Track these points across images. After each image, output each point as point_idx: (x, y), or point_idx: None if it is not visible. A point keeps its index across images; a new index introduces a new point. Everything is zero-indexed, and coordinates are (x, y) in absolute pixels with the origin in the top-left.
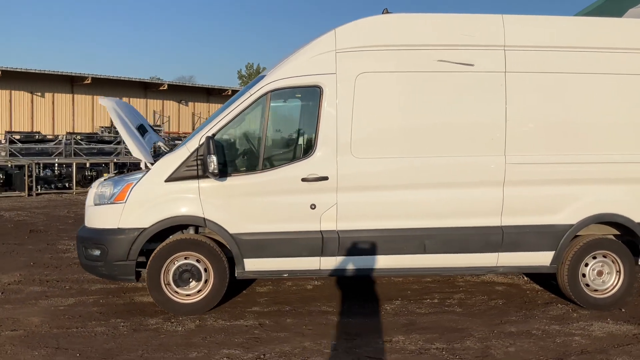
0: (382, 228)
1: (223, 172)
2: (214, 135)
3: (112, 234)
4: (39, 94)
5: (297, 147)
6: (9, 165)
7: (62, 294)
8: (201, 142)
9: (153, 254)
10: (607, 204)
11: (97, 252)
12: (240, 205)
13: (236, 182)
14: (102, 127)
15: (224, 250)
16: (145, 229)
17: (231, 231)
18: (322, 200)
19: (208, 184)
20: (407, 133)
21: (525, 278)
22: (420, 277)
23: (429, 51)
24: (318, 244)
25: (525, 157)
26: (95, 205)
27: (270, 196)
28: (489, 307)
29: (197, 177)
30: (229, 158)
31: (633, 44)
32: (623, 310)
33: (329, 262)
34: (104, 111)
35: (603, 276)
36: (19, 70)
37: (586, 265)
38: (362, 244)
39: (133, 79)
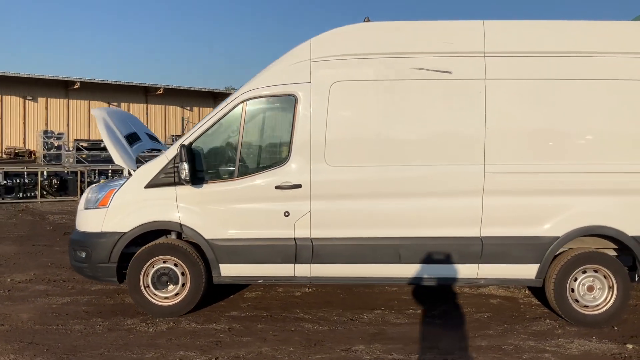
0: (356, 237)
1: (200, 179)
2: (190, 143)
3: (95, 237)
4: (115, 103)
5: (272, 155)
6: (65, 171)
7: (62, 293)
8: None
9: (133, 257)
10: (597, 216)
11: (83, 254)
12: (215, 211)
13: (212, 189)
14: (173, 135)
15: (204, 256)
16: (125, 233)
17: (207, 237)
18: (296, 207)
19: (185, 191)
20: (382, 141)
21: (526, 291)
22: (416, 287)
23: (406, 59)
24: (292, 251)
25: (506, 167)
26: (85, 209)
27: (245, 203)
28: (471, 319)
29: (175, 183)
30: (206, 165)
31: (622, 47)
32: (616, 328)
33: (304, 270)
34: (177, 120)
35: (594, 292)
36: (97, 81)
37: (575, 279)
38: (335, 252)
39: (202, 89)
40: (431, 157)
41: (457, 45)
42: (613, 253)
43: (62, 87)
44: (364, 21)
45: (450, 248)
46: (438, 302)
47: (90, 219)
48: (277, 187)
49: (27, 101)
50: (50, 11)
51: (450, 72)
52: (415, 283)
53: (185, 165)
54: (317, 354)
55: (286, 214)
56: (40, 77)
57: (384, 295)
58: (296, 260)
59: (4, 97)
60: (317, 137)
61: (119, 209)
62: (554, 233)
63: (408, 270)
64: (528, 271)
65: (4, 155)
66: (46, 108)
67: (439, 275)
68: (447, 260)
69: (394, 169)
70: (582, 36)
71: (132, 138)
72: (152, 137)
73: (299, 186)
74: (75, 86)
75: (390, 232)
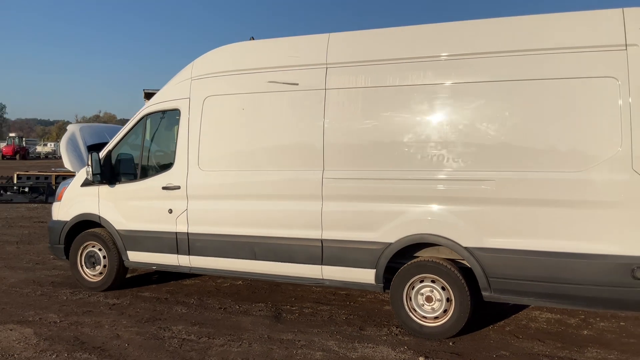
0: (220, 233)
1: (114, 180)
2: (110, 150)
3: (53, 224)
4: None
5: (164, 160)
6: None
7: (64, 268)
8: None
9: (74, 241)
10: (428, 224)
11: (49, 237)
12: (122, 206)
13: (121, 188)
14: None
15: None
16: (67, 221)
17: (116, 227)
18: (177, 206)
19: (104, 189)
20: (240, 148)
21: None
22: (338, 289)
23: (262, 74)
24: (174, 243)
25: (341, 173)
26: (54, 202)
27: (142, 201)
28: (329, 320)
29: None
30: (119, 169)
31: (452, 49)
32: (451, 343)
33: (184, 260)
34: None
35: (433, 303)
36: None
37: (412, 288)
38: (205, 246)
39: None
40: (281, 163)
41: (304, 59)
42: None
43: None
44: (249, 39)
45: (297, 249)
46: (334, 303)
47: (53, 210)
48: (163, 188)
49: None
50: None
51: (297, 84)
52: (270, 279)
53: (89, 169)
54: (134, 327)
55: (170, 211)
56: None
57: (299, 293)
58: (178, 251)
59: None
60: (193, 145)
61: (65, 202)
62: (386, 239)
63: (262, 267)
64: (366, 275)
65: None
66: None
67: (289, 274)
68: (295, 260)
69: (250, 173)
70: (412, 41)
71: (96, 148)
72: None
73: (178, 187)
74: None
75: (246, 230)
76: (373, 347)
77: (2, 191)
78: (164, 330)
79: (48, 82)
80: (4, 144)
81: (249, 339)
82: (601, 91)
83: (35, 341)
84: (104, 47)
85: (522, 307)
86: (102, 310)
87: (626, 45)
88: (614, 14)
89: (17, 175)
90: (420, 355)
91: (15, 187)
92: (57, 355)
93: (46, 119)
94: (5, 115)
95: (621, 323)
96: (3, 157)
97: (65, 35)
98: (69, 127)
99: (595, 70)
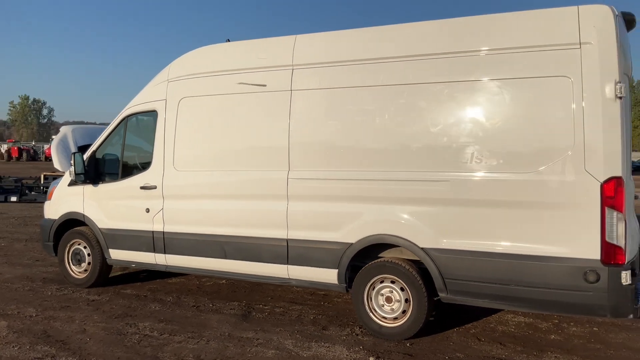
0: (192, 232)
1: (98, 180)
2: (94, 151)
3: (44, 222)
4: None
5: (143, 161)
6: None
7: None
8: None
9: (61, 239)
10: (388, 225)
11: (41, 235)
12: (104, 206)
13: (104, 188)
14: None
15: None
16: (55, 220)
17: (99, 226)
18: (153, 205)
19: (89, 189)
20: (212, 149)
21: None
22: (317, 290)
23: (233, 75)
24: (150, 242)
25: (306, 173)
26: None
27: (122, 200)
28: (296, 319)
29: (84, 182)
30: (102, 169)
31: (410, 50)
32: (409, 344)
33: (161, 258)
34: None
35: (392, 303)
36: None
37: (373, 288)
38: (179, 245)
39: None
40: (249, 164)
41: (272, 60)
42: None
43: None
44: (226, 41)
45: (264, 248)
46: (309, 303)
47: (45, 209)
48: (141, 188)
49: None
50: None
51: (265, 85)
52: (240, 278)
53: (72, 169)
54: (103, 322)
55: (147, 210)
56: None
57: (278, 292)
58: (155, 250)
59: None
60: (168, 145)
61: (54, 201)
62: (347, 239)
63: (232, 265)
64: (329, 275)
65: None
66: None
67: (257, 273)
68: (262, 259)
69: (220, 174)
70: (370, 43)
71: (86, 149)
72: None
73: (155, 187)
74: None
75: (217, 230)
76: (328, 347)
77: (27, 191)
78: (130, 326)
79: (95, 85)
80: (48, 146)
81: (208, 337)
82: (555, 91)
83: (4, 334)
84: (148, 51)
85: (496, 310)
86: (80, 305)
87: (580, 43)
88: (569, 12)
89: (44, 175)
90: (372, 356)
91: (40, 187)
92: (19, 347)
93: (92, 121)
94: (53, 118)
95: (594, 328)
96: (46, 158)
97: (112, 44)
98: (62, 129)
99: (549, 70)
